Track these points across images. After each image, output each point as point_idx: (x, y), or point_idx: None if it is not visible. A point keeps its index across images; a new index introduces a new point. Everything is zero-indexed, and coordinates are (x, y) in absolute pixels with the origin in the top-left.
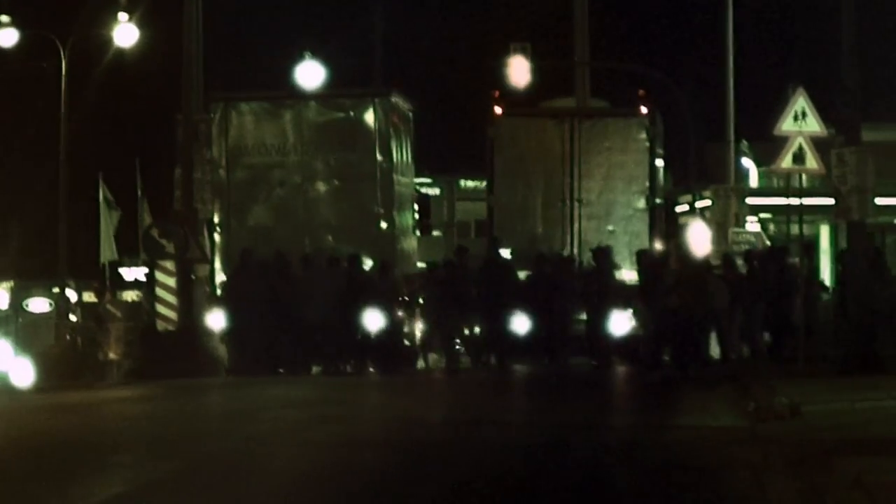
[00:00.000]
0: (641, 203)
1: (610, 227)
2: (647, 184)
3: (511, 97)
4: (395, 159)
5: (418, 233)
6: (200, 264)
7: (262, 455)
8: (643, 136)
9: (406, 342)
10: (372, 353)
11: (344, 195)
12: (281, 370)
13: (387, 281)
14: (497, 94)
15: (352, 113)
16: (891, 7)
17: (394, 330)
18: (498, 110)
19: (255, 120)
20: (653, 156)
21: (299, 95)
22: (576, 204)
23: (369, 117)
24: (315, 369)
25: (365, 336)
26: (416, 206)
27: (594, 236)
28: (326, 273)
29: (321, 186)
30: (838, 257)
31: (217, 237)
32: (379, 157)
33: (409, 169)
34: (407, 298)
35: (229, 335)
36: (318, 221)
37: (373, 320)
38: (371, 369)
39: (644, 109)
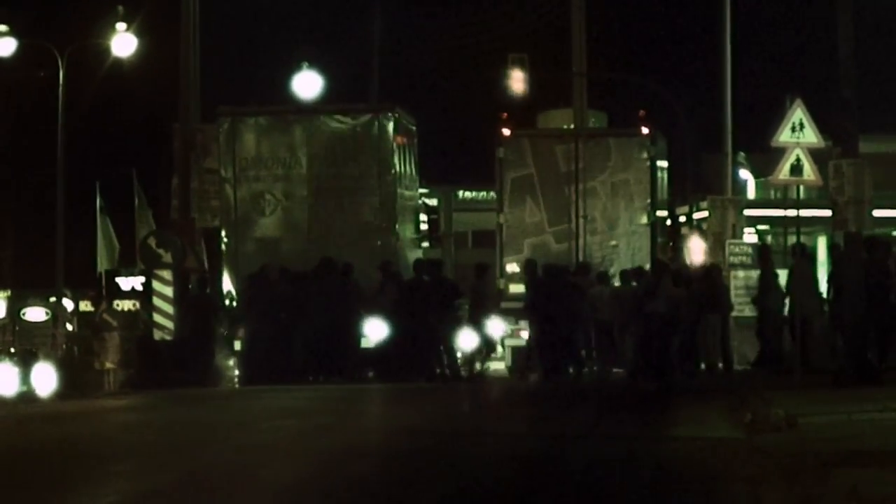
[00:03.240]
0: (644, 219)
1: (613, 243)
2: (649, 200)
3: (514, 113)
4: (399, 173)
5: (426, 244)
6: (199, 274)
7: (260, 465)
8: (644, 155)
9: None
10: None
11: (348, 208)
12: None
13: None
14: (505, 115)
15: (357, 128)
16: (888, 18)
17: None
18: (506, 131)
19: (262, 134)
20: (654, 174)
21: (305, 110)
22: (581, 220)
23: (374, 132)
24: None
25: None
26: (425, 219)
27: (598, 251)
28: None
29: (326, 199)
30: (832, 271)
31: (224, 250)
32: (383, 171)
33: (413, 182)
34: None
35: (245, 346)
36: (323, 234)
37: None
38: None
39: (645, 129)
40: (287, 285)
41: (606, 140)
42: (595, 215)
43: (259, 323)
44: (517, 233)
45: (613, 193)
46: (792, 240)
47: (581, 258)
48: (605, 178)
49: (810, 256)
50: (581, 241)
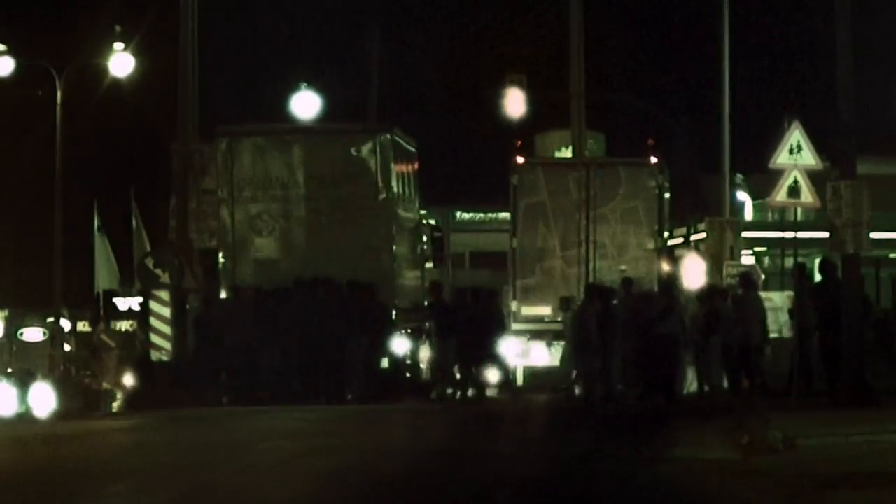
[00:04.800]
0: (651, 244)
1: (622, 267)
2: (656, 227)
3: (512, 134)
4: (397, 193)
5: (430, 265)
6: (196, 294)
7: (256, 486)
8: (653, 183)
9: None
10: (371, 382)
11: (346, 229)
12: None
13: (374, 307)
14: (519, 143)
15: (354, 148)
16: (886, 40)
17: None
18: (520, 159)
19: (259, 154)
20: (661, 201)
21: (303, 130)
22: (591, 245)
23: (372, 152)
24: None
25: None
26: (426, 239)
27: (607, 275)
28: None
29: (323, 220)
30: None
31: (221, 270)
32: (381, 192)
33: (412, 203)
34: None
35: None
36: (320, 254)
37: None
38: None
39: (654, 159)
40: (268, 305)
41: (616, 169)
42: (605, 241)
43: (229, 343)
44: (530, 257)
45: (623, 220)
46: (789, 262)
47: (591, 281)
48: (615, 206)
49: (809, 277)
50: (591, 266)
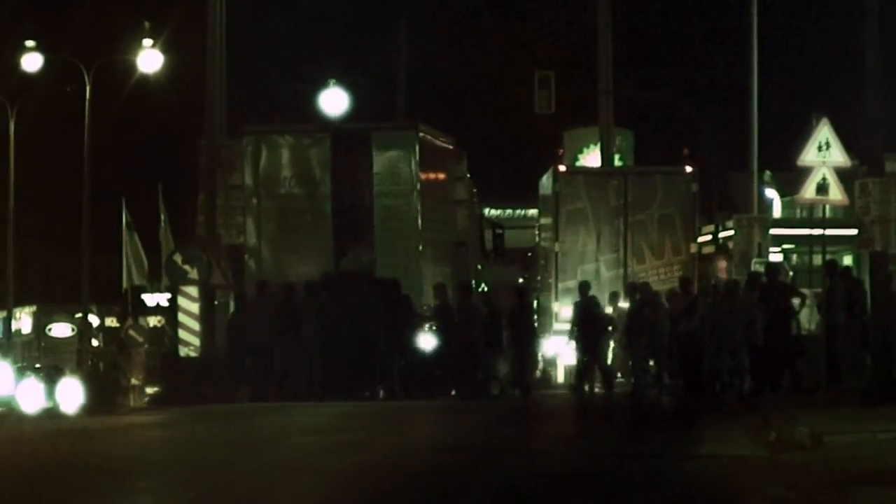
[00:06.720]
0: (686, 249)
1: (659, 271)
2: (692, 232)
3: (540, 130)
4: (425, 190)
5: (486, 259)
6: (225, 290)
7: (282, 482)
8: (688, 190)
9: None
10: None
11: (372, 225)
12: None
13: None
14: (561, 152)
15: (383, 145)
16: None
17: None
18: (562, 168)
19: (286, 152)
20: (696, 207)
21: (329, 127)
22: (629, 250)
23: (398, 149)
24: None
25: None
26: (493, 236)
27: (644, 278)
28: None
29: (350, 217)
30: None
31: (247, 266)
32: (407, 189)
33: (446, 199)
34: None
35: (251, 361)
36: (346, 251)
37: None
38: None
39: (689, 168)
40: (294, 300)
41: (653, 177)
42: (642, 245)
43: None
44: (571, 260)
45: (660, 225)
46: (817, 259)
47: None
48: (653, 212)
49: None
50: (629, 269)
